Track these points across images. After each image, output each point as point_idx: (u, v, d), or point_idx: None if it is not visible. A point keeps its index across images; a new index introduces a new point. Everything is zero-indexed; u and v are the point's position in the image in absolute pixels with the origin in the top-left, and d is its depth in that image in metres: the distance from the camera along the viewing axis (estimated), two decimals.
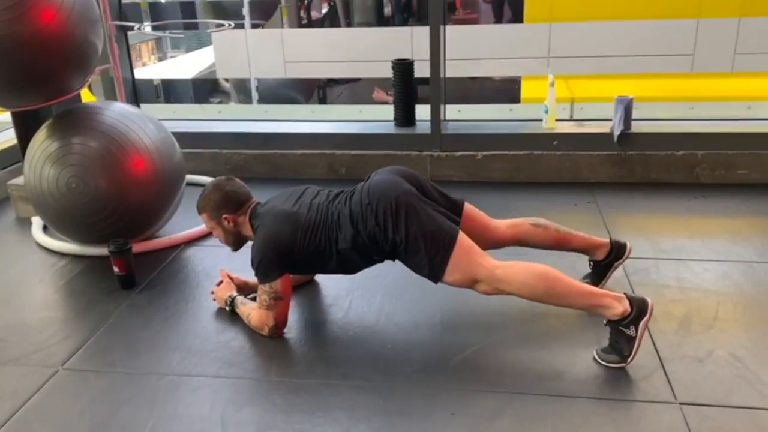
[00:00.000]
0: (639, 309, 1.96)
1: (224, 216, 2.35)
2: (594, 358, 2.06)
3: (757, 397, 1.88)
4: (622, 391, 1.94)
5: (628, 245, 2.39)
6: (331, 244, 2.20)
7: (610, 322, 2.02)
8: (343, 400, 1.95)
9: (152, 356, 2.21)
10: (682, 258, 2.69)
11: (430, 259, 2.08)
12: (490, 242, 2.31)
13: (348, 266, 2.27)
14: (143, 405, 1.97)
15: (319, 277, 2.64)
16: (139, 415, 1.92)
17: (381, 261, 2.26)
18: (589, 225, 3.00)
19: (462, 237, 2.09)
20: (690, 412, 1.83)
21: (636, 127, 3.51)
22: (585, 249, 2.42)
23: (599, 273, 2.41)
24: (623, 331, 1.98)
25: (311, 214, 2.23)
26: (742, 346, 2.11)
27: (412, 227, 2.08)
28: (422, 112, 3.75)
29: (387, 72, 3.81)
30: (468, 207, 2.33)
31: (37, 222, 3.18)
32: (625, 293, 2.02)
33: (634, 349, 1.97)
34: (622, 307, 1.97)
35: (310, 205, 2.26)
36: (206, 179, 3.69)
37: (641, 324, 1.95)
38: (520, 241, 2.37)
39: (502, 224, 2.37)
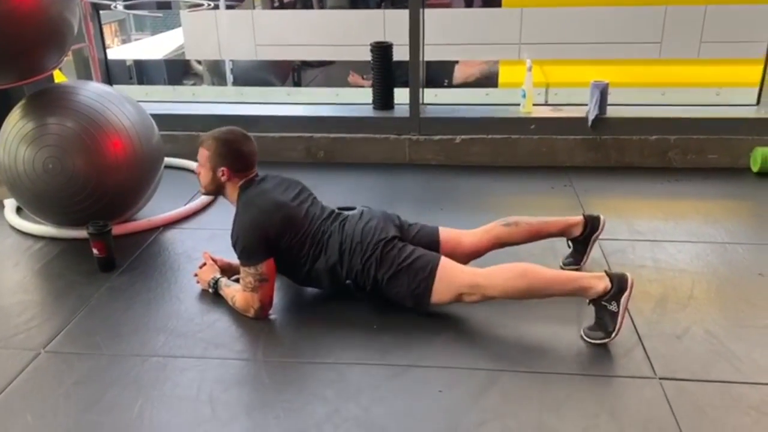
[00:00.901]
0: (619, 285, 2.03)
1: (222, 168, 2.31)
2: (581, 337, 2.11)
3: (732, 371, 1.95)
4: (603, 368, 1.99)
5: (602, 217, 2.45)
6: (307, 258, 2.25)
7: (592, 301, 2.07)
8: (330, 378, 1.97)
9: (136, 338, 2.19)
10: (657, 239, 2.76)
11: (412, 291, 2.16)
12: (468, 256, 2.37)
13: (313, 282, 2.33)
14: (130, 386, 1.95)
15: None
16: (127, 397, 1.91)
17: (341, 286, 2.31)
18: (567, 208, 3.07)
19: (442, 263, 2.16)
20: (669, 386, 1.90)
21: (610, 111, 3.57)
22: (562, 231, 2.47)
23: (579, 250, 2.47)
24: (606, 307, 2.04)
25: (305, 221, 2.27)
26: (716, 323, 2.18)
27: (394, 265, 2.16)
28: (399, 95, 3.76)
29: (361, 55, 3.79)
30: (442, 231, 2.38)
31: (10, 204, 3.11)
32: (605, 270, 2.08)
33: (618, 324, 2.03)
34: (603, 285, 2.04)
35: (307, 212, 2.30)
36: (185, 162, 3.66)
37: (623, 299, 2.02)
38: (496, 244, 2.41)
39: (475, 234, 2.40)
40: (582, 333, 2.12)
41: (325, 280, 2.28)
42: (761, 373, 1.94)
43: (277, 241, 2.22)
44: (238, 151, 2.32)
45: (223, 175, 2.31)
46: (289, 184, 2.39)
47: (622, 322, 2.03)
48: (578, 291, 2.09)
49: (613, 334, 2.04)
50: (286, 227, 2.23)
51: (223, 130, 2.36)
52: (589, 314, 2.12)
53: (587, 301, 2.09)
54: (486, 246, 2.38)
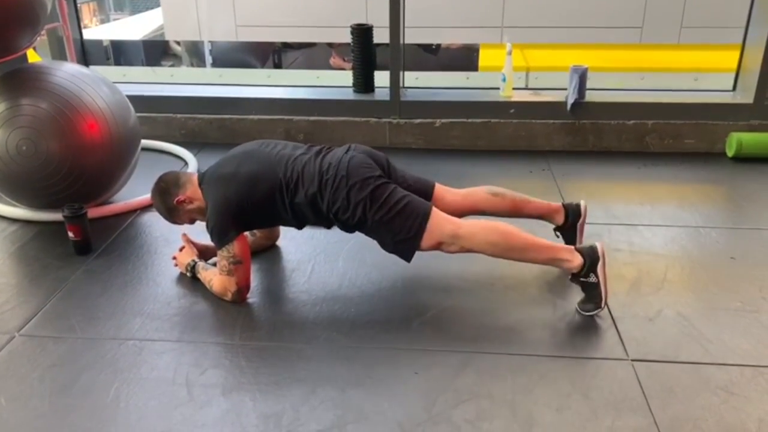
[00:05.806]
0: (591, 257, 2.10)
1: (177, 200, 2.32)
2: (577, 311, 2.18)
3: (702, 352, 1.99)
4: (577, 349, 2.02)
5: (582, 203, 2.44)
6: (285, 196, 2.20)
7: (573, 277, 2.14)
8: (308, 361, 1.98)
9: (113, 322, 2.18)
10: (632, 223, 2.79)
11: (402, 236, 2.14)
12: (446, 212, 2.35)
13: (305, 218, 2.27)
14: (106, 369, 1.95)
15: (281, 243, 2.65)
16: (102, 379, 1.91)
17: (328, 226, 2.29)
18: (545, 192, 3.09)
19: (433, 211, 2.16)
20: (640, 367, 1.93)
21: (589, 96, 3.59)
22: (542, 214, 2.46)
23: (568, 238, 2.46)
24: (586, 282, 2.12)
25: (269, 167, 2.22)
26: (688, 306, 2.22)
27: (385, 207, 2.13)
28: (380, 78, 3.75)
29: (343, 37, 3.76)
30: (437, 187, 2.38)
31: None
32: (574, 247, 2.14)
33: (603, 294, 2.10)
34: (578, 260, 2.10)
35: (270, 157, 2.25)
36: (162, 144, 3.63)
37: (599, 269, 2.09)
38: (475, 209, 2.41)
39: (458, 194, 2.41)
40: (577, 307, 2.19)
41: (309, 214, 2.23)
42: (730, 355, 1.98)
43: (240, 209, 2.20)
44: (161, 189, 2.37)
45: (185, 201, 2.33)
46: (244, 150, 2.35)
47: (606, 291, 2.10)
48: (554, 261, 2.15)
49: (603, 303, 2.11)
50: (238, 191, 2.20)
51: (153, 204, 2.46)
52: (565, 296, 2.18)
53: (569, 277, 2.16)
54: (464, 209, 2.38)
